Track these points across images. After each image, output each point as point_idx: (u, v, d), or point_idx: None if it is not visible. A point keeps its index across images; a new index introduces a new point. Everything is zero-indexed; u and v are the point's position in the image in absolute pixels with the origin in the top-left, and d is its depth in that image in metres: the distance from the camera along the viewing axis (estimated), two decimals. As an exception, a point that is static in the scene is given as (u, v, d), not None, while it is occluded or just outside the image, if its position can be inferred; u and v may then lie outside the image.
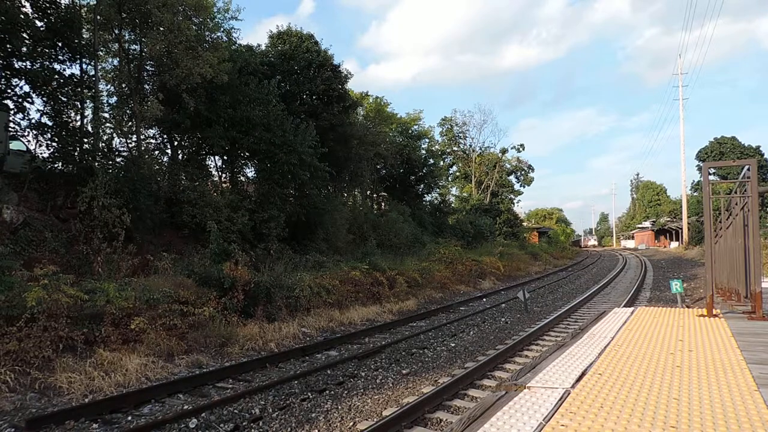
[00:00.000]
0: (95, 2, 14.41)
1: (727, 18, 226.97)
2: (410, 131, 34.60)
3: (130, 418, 6.40)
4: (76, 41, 13.61)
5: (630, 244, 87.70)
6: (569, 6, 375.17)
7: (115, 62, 16.62)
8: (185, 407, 6.68)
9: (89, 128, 13.88)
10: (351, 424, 6.08)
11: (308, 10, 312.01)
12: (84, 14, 14.50)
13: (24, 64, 12.78)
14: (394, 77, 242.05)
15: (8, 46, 11.98)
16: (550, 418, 3.63)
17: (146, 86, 16.57)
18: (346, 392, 7.32)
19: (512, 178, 53.47)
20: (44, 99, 13.29)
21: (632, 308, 9.80)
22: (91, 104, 14.02)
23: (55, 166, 13.37)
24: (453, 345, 10.48)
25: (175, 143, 18.06)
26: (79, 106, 14.01)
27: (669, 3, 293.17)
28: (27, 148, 13.51)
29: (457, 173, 52.27)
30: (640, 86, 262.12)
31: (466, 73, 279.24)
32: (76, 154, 13.55)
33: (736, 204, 9.44)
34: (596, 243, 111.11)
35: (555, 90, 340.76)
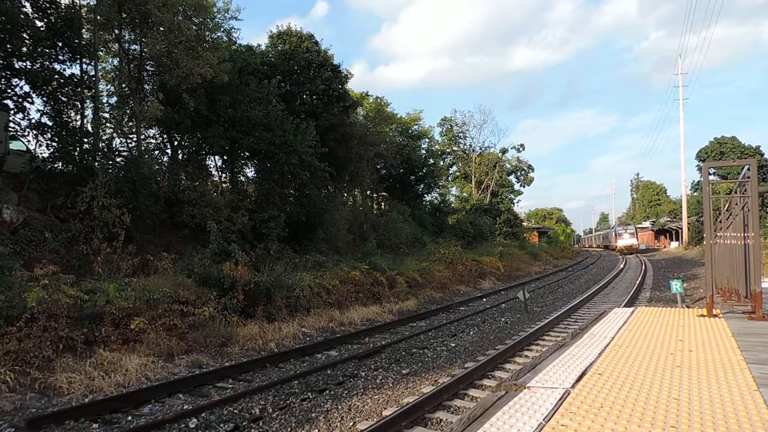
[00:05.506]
0: (95, 2, 14.40)
1: (733, 20, 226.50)
2: (410, 131, 34.61)
3: (130, 418, 6.41)
4: (76, 41, 13.60)
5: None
6: (578, 9, 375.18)
7: (115, 62, 16.63)
8: (185, 407, 6.68)
9: (89, 128, 13.88)
10: (351, 424, 6.08)
11: (321, 12, 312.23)
12: (84, 14, 14.49)
13: (24, 64, 12.76)
14: (404, 78, 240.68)
15: (8, 46, 11.98)
16: (550, 418, 3.63)
17: (146, 86, 16.56)
18: (346, 392, 7.33)
19: (512, 178, 53.62)
20: (44, 99, 13.29)
21: (632, 308, 9.79)
22: (91, 104, 14.02)
23: (55, 166, 13.36)
24: (453, 345, 10.48)
25: (175, 143, 18.06)
26: (79, 106, 14.01)
27: (676, 6, 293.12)
28: (27, 148, 13.50)
29: (457, 173, 52.33)
30: (644, 87, 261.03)
31: (474, 74, 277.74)
32: (76, 154, 13.54)
33: (736, 204, 9.44)
34: (635, 243, 57.51)
35: (560, 91, 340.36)
